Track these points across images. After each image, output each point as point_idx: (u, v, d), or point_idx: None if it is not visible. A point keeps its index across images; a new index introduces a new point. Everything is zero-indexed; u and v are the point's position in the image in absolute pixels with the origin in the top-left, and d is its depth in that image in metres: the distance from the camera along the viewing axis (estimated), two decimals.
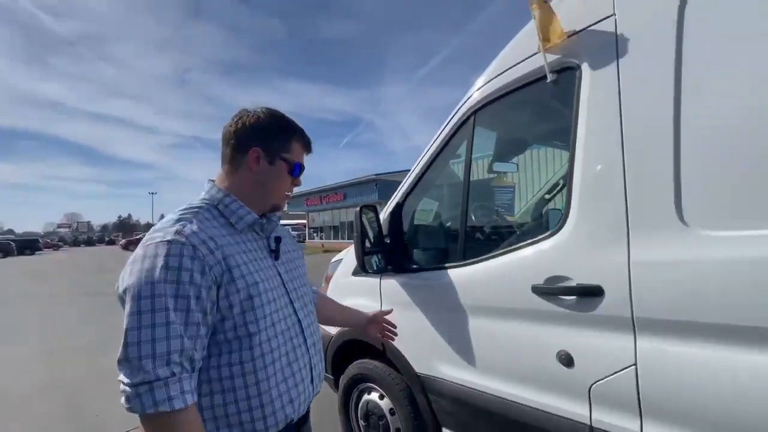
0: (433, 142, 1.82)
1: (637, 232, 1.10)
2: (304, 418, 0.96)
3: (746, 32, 0.96)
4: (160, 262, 0.71)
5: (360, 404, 2.17)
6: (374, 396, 2.08)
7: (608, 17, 1.21)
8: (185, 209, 0.84)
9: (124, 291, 0.72)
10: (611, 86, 1.19)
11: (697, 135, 1.02)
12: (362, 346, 2.15)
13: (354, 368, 2.17)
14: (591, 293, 1.17)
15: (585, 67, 1.26)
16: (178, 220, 0.79)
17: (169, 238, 0.74)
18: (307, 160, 1.04)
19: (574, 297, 1.22)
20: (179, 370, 0.69)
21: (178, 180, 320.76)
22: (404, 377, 1.86)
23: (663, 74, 1.08)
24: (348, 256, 2.32)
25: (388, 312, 1.47)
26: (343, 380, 2.25)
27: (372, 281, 2.03)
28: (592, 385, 1.18)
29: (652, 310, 1.06)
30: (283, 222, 1.14)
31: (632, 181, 1.12)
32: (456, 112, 1.72)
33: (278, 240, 0.95)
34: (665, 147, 1.06)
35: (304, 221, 37.22)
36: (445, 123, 1.77)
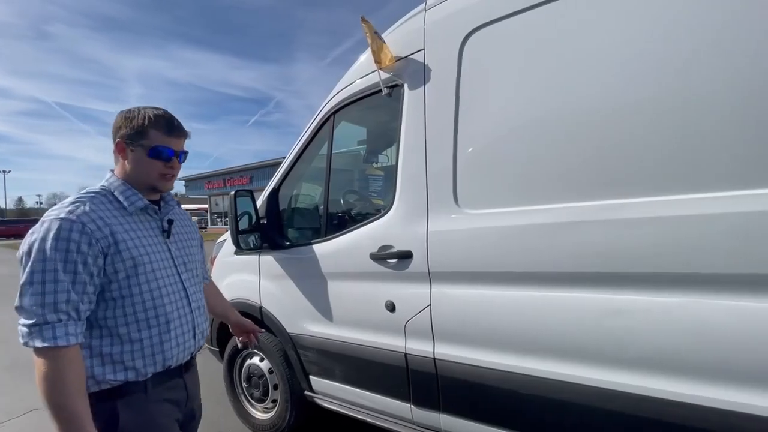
0: (302, 136, 2.10)
1: (432, 211, 1.54)
2: (188, 365, 1.16)
3: (499, 72, 1.42)
4: (51, 234, 0.89)
5: (243, 369, 2.41)
6: (255, 360, 2.34)
7: (420, 50, 1.61)
8: (84, 193, 1.02)
9: (23, 254, 0.90)
10: (420, 102, 1.60)
11: (465, 145, 1.47)
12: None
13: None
14: (406, 256, 1.59)
15: (406, 86, 1.66)
16: (74, 203, 0.97)
17: (62, 216, 0.92)
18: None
19: (395, 260, 1.63)
20: (66, 317, 0.88)
21: (39, 156, 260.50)
22: (280, 339, 2.16)
23: (448, 95, 1.51)
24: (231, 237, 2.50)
25: (260, 331, 1.60)
26: (227, 350, 2.46)
27: (251, 258, 2.26)
28: (406, 323, 1.62)
29: (439, 265, 1.52)
30: (184, 207, 1.29)
31: (430, 175, 1.55)
32: (319, 112, 2.02)
33: (170, 222, 1.13)
34: (448, 151, 1.50)
35: (206, 206, 34.55)
36: (311, 120, 2.06)
